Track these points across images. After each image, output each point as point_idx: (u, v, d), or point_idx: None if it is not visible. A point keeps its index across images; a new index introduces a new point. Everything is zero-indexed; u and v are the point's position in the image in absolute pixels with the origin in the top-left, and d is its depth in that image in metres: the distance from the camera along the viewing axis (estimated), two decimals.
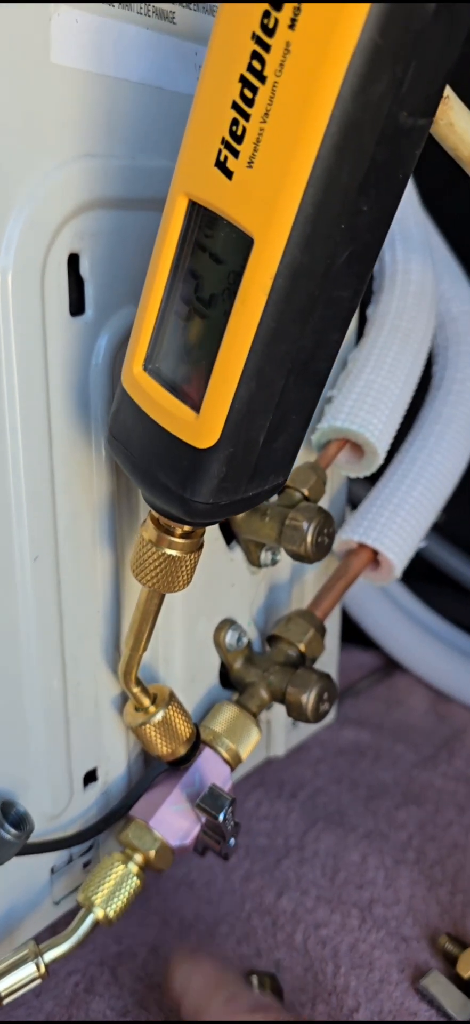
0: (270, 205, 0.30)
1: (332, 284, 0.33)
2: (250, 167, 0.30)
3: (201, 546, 0.43)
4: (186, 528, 0.41)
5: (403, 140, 0.31)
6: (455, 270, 0.69)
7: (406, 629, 0.87)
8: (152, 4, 0.43)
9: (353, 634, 0.89)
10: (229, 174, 0.31)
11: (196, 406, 0.35)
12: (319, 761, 0.76)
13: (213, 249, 0.34)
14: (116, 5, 0.41)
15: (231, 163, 0.31)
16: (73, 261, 0.42)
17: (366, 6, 0.27)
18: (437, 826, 0.69)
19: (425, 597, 0.90)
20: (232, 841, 0.50)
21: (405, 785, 0.74)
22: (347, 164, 0.30)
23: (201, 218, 0.34)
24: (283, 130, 0.29)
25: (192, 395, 0.35)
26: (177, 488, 0.37)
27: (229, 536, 0.54)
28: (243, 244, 0.32)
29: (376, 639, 0.88)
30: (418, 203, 0.64)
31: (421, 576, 0.91)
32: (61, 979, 0.55)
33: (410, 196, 0.63)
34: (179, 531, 0.41)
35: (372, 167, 0.31)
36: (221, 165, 0.31)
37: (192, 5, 0.45)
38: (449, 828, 0.69)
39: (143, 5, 0.42)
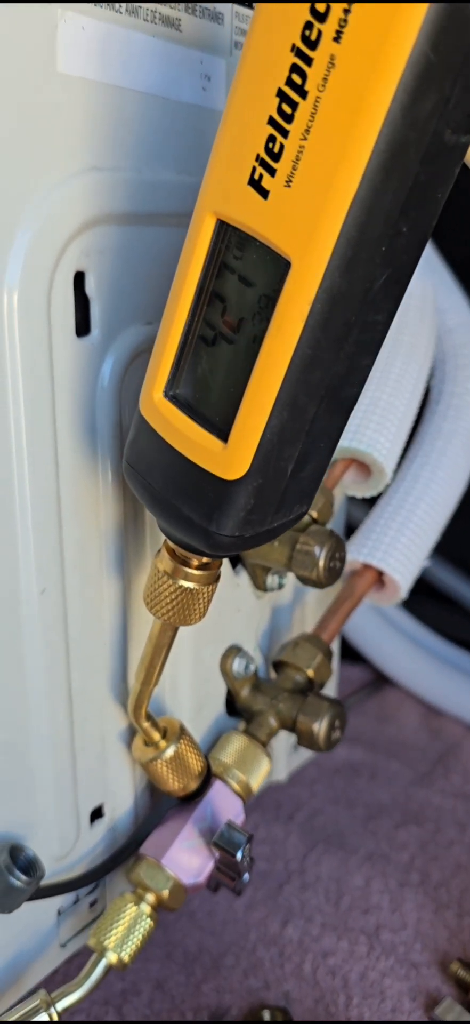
0: (310, 227, 0.29)
1: (368, 309, 0.32)
2: (288, 186, 0.29)
3: (218, 577, 0.41)
4: (204, 560, 0.39)
5: (445, 158, 0.30)
6: (448, 281, 0.68)
7: (396, 643, 0.86)
8: (158, 8, 0.41)
9: (341, 648, 0.88)
10: (265, 193, 0.29)
11: (223, 435, 0.33)
12: (315, 781, 0.75)
13: (243, 271, 0.32)
14: (123, 10, 0.39)
15: (267, 182, 0.29)
16: (78, 279, 0.40)
17: (421, 14, 0.26)
18: (439, 845, 0.68)
19: (414, 610, 0.89)
20: (246, 876, 0.48)
21: (403, 804, 0.73)
22: (392, 184, 0.28)
23: (230, 238, 0.32)
24: (326, 148, 0.28)
25: (218, 424, 0.34)
26: (202, 521, 0.35)
27: (234, 560, 0.52)
28: (277, 267, 0.30)
29: (365, 653, 0.87)
30: None
31: (410, 589, 0.90)
32: (65, 1019, 0.53)
33: None
34: (196, 562, 0.39)
35: (415, 187, 0.29)
36: (255, 184, 0.29)
37: (198, 11, 0.43)
38: (451, 847, 0.68)
39: (149, 8, 0.40)
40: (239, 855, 0.45)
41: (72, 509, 0.42)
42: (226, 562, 0.52)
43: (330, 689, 0.70)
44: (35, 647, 0.42)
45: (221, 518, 0.34)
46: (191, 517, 0.35)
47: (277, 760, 0.64)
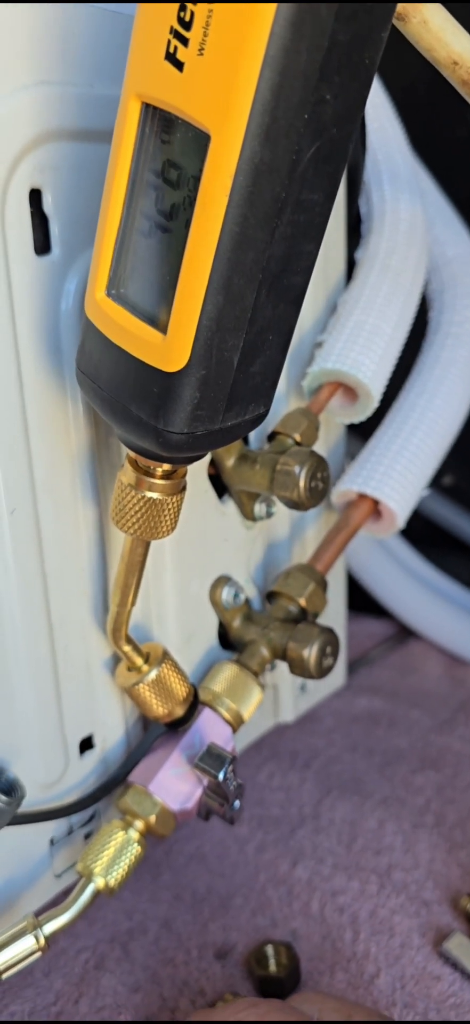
0: (224, 93, 0.28)
1: (299, 185, 0.31)
2: (201, 55, 0.29)
3: (184, 488, 0.41)
4: (166, 468, 0.39)
5: (365, 16, 0.29)
6: (448, 213, 0.67)
7: (418, 594, 0.85)
8: None
9: (365, 603, 0.87)
10: (180, 66, 0.29)
11: (164, 327, 0.33)
12: (332, 730, 0.74)
13: (171, 155, 0.32)
14: None
15: (181, 53, 0.29)
16: (35, 197, 0.40)
17: None
18: (456, 789, 0.67)
19: (436, 561, 0.87)
20: (237, 804, 0.48)
21: (421, 750, 0.71)
22: (304, 42, 0.28)
23: (156, 122, 0.32)
24: (233, 8, 0.27)
25: (159, 317, 0.34)
26: (150, 419, 0.35)
27: (221, 489, 0.52)
28: (199, 144, 0.30)
29: (388, 606, 0.86)
30: (405, 143, 0.62)
31: (431, 540, 0.89)
32: (71, 957, 0.54)
33: (396, 135, 0.61)
34: (159, 472, 0.39)
35: (333, 47, 0.29)
36: (171, 57, 0.29)
37: None
38: (468, 790, 0.66)
39: None
40: (221, 775, 0.45)
41: (39, 430, 0.42)
42: (211, 490, 0.51)
43: (339, 635, 0.69)
44: (8, 568, 0.42)
45: (167, 414, 0.34)
46: (140, 416, 0.35)
47: (284, 701, 0.63)
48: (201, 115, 0.29)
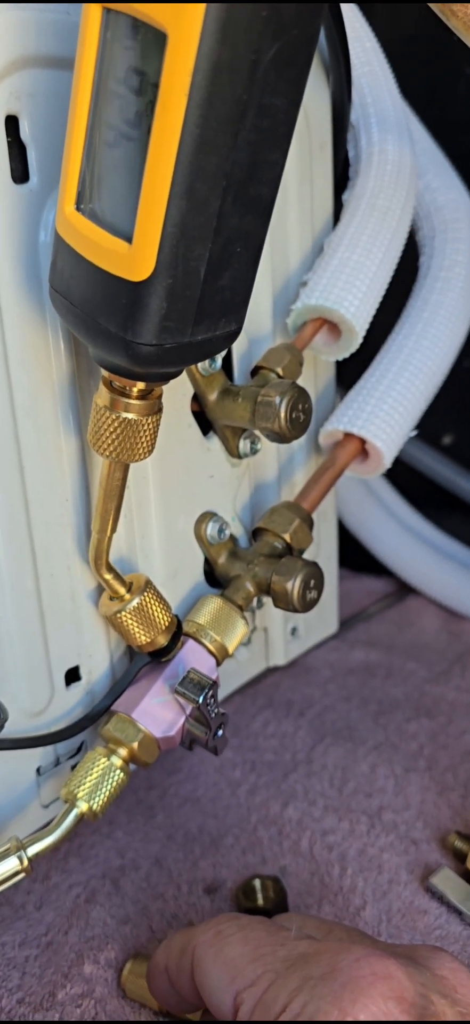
0: None
1: (261, 88, 0.32)
2: None
3: (160, 409, 0.41)
4: (141, 387, 0.40)
5: None
6: (440, 160, 0.67)
7: (417, 551, 0.85)
8: None
9: (364, 562, 0.87)
10: None
11: (130, 238, 0.34)
12: (328, 681, 0.74)
13: (133, 61, 0.32)
14: None
15: None
16: (12, 125, 0.41)
17: None
18: (449, 736, 0.67)
19: (435, 520, 0.87)
20: (220, 732, 0.48)
21: (416, 699, 0.72)
22: None
23: (118, 27, 0.32)
24: None
25: (126, 228, 0.34)
26: (119, 331, 0.35)
27: (205, 426, 0.53)
28: (159, 46, 0.30)
29: (386, 562, 0.86)
30: (396, 88, 0.62)
31: (431, 499, 0.89)
32: (62, 891, 0.55)
33: (387, 79, 0.61)
34: (134, 392, 0.40)
35: None
36: None
37: None
38: (462, 737, 0.67)
39: None
40: (201, 699, 0.45)
41: (20, 359, 0.43)
42: (195, 425, 0.52)
43: (331, 582, 0.70)
44: None
45: (135, 325, 0.35)
46: (108, 328, 0.35)
47: (274, 644, 0.64)
48: (157, 13, 0.30)
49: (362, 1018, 0.32)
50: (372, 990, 0.33)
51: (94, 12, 0.32)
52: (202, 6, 0.29)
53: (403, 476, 0.87)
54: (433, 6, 0.39)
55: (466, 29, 0.38)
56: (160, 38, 0.30)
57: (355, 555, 0.86)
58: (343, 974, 0.34)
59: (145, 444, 0.41)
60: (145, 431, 0.41)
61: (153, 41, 0.31)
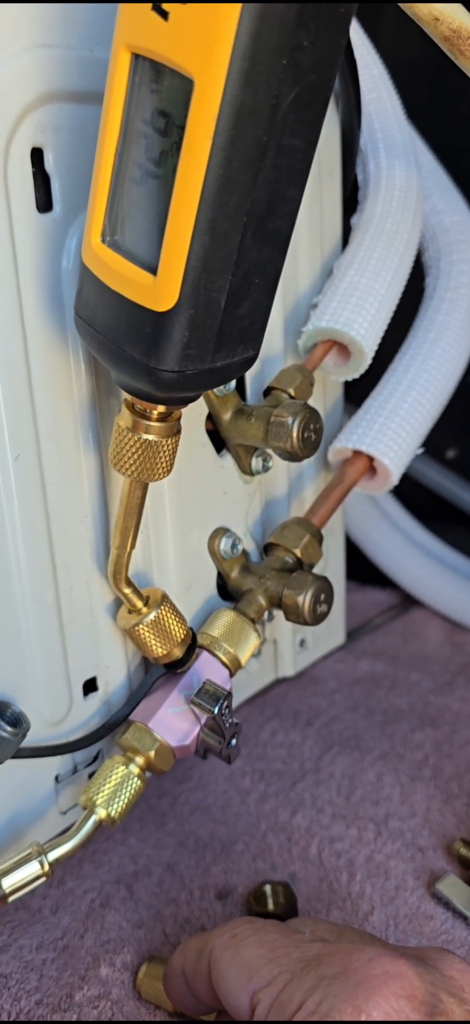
0: (206, 39, 0.30)
1: (280, 129, 0.33)
2: (184, 3, 0.31)
3: (178, 431, 0.43)
4: (161, 410, 0.41)
5: None
6: (445, 182, 0.68)
7: (421, 564, 0.86)
8: None
9: (369, 574, 0.89)
10: (165, 15, 0.31)
11: (155, 270, 0.35)
12: (334, 692, 0.76)
13: (159, 104, 0.34)
14: None
15: (166, 4, 0.31)
16: (37, 157, 0.42)
17: None
18: (454, 745, 0.68)
19: (439, 532, 0.89)
20: (233, 742, 0.50)
21: (421, 710, 0.73)
22: None
23: (145, 71, 0.34)
24: None
25: (151, 260, 0.36)
26: (142, 358, 0.37)
27: (219, 445, 0.54)
28: (186, 91, 0.32)
29: (391, 575, 0.87)
30: (402, 114, 0.63)
31: (434, 512, 0.90)
32: (78, 896, 0.56)
33: (394, 105, 0.63)
34: (155, 414, 0.41)
35: None
36: (157, 7, 0.31)
37: None
38: (466, 747, 0.68)
39: None
40: (216, 709, 0.47)
41: (43, 381, 0.44)
42: (209, 444, 0.53)
43: (338, 594, 0.71)
44: (14, 512, 0.44)
45: (159, 352, 0.36)
46: (133, 355, 0.37)
47: (283, 655, 0.65)
48: (185, 61, 0.31)
49: (375, 1015, 0.34)
50: (384, 988, 0.34)
51: (123, 57, 0.34)
52: (227, 55, 0.30)
53: (407, 489, 0.88)
54: (442, 46, 0.41)
55: None
56: (186, 84, 0.32)
57: (360, 567, 0.87)
58: (357, 973, 0.35)
59: (164, 464, 0.43)
60: (164, 452, 0.42)
61: (179, 86, 0.32)
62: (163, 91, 0.34)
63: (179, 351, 0.36)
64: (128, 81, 0.34)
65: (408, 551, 0.87)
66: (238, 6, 0.30)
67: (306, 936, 0.40)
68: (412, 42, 0.80)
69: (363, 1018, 0.34)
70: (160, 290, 0.35)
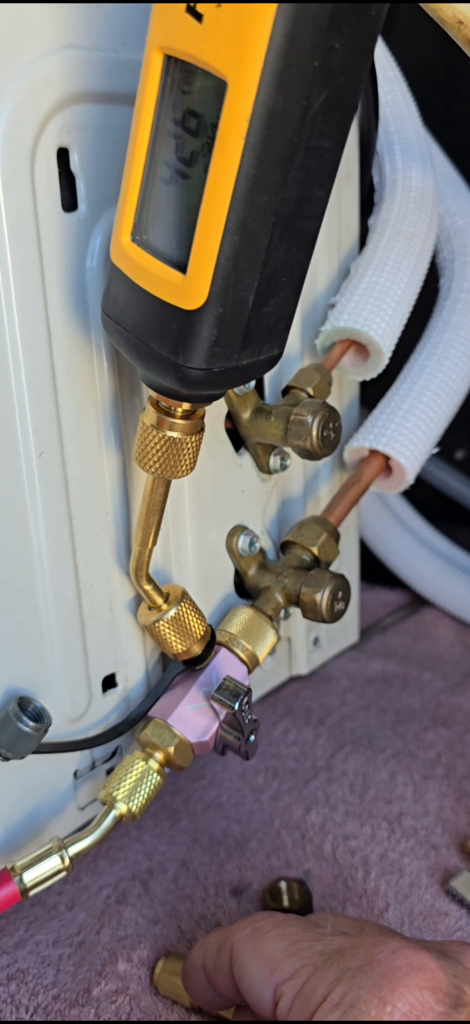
0: (240, 41, 0.31)
1: (310, 131, 0.34)
2: (218, 5, 0.31)
3: (202, 428, 0.43)
4: (186, 408, 0.42)
5: None
6: (459, 185, 0.69)
7: (431, 563, 0.87)
8: None
9: (380, 575, 0.89)
10: (199, 17, 0.32)
11: (184, 268, 0.36)
12: (346, 691, 0.76)
13: (191, 104, 0.34)
14: None
15: (201, 5, 0.31)
16: (63, 157, 0.43)
17: None
18: (466, 744, 0.69)
19: (449, 533, 0.89)
20: (252, 738, 0.50)
21: (433, 709, 0.73)
22: None
23: (177, 72, 0.34)
24: None
25: (180, 259, 0.36)
26: (170, 355, 0.37)
27: (238, 443, 0.55)
28: (219, 92, 0.32)
29: (401, 575, 0.88)
30: (418, 116, 0.64)
31: (445, 513, 0.91)
32: (93, 892, 0.56)
33: (409, 108, 0.63)
34: (179, 412, 0.42)
35: None
36: (191, 9, 0.32)
37: None
38: None
39: None
40: (236, 706, 0.47)
41: (67, 380, 0.45)
42: (228, 442, 0.54)
43: (354, 607, 0.72)
44: (37, 509, 0.45)
45: (187, 350, 0.37)
46: (161, 353, 0.37)
47: (297, 653, 0.66)
48: (219, 63, 0.32)
49: (400, 1006, 0.34)
50: (408, 980, 0.35)
51: (156, 58, 0.34)
52: (261, 57, 0.31)
53: (417, 490, 0.89)
54: (466, 49, 0.41)
55: None
56: (219, 85, 0.32)
57: (370, 567, 0.88)
58: (381, 965, 0.35)
59: (187, 461, 0.43)
60: (188, 449, 0.43)
61: (211, 87, 0.33)
62: (195, 92, 0.34)
63: (207, 349, 0.37)
64: (160, 82, 0.34)
65: (418, 551, 0.87)
66: (273, 7, 0.30)
67: (327, 930, 0.40)
68: (425, 44, 0.81)
69: (388, 1009, 0.34)
70: (189, 288, 0.35)
